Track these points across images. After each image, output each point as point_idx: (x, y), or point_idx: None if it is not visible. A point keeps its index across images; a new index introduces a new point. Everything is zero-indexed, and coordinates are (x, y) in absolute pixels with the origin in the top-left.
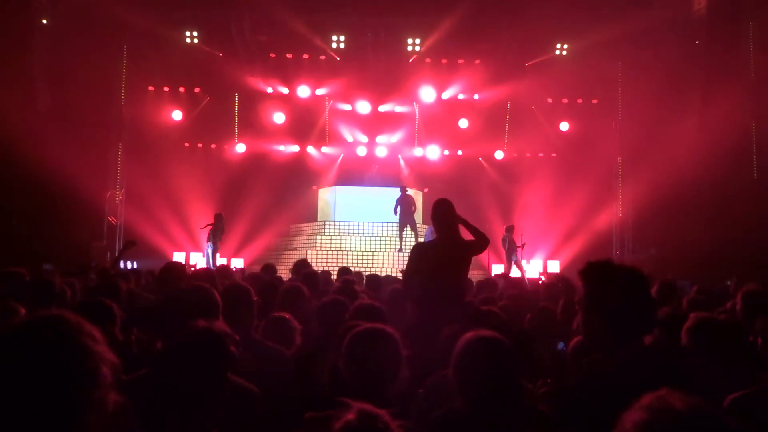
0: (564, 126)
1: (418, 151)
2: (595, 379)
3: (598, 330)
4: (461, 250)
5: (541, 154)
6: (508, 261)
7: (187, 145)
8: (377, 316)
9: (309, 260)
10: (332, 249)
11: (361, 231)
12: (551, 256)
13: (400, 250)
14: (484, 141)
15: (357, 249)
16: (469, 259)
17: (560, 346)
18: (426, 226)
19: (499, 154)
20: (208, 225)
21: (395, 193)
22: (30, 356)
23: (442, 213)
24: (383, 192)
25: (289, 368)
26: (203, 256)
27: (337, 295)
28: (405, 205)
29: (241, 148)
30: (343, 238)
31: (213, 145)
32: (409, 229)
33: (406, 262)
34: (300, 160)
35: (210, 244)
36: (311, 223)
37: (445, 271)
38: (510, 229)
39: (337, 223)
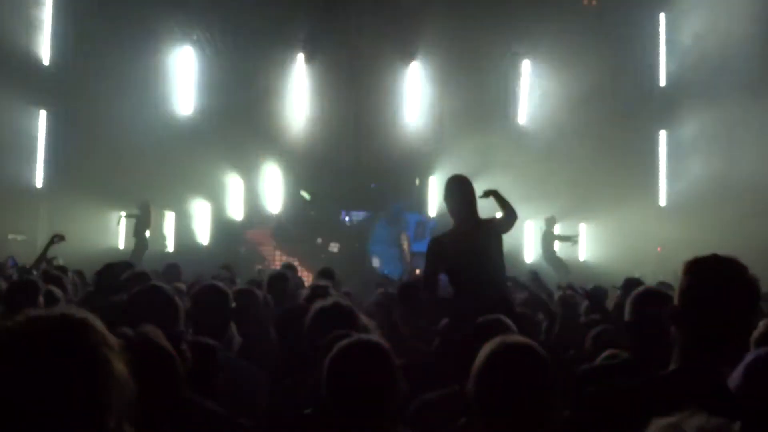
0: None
1: None
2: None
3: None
4: (489, 233)
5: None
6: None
7: None
8: (349, 321)
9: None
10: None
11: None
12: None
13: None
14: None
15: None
16: (500, 240)
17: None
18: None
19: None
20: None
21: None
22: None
23: (459, 192)
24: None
25: (264, 391)
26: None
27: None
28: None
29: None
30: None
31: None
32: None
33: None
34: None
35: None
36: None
37: (479, 264)
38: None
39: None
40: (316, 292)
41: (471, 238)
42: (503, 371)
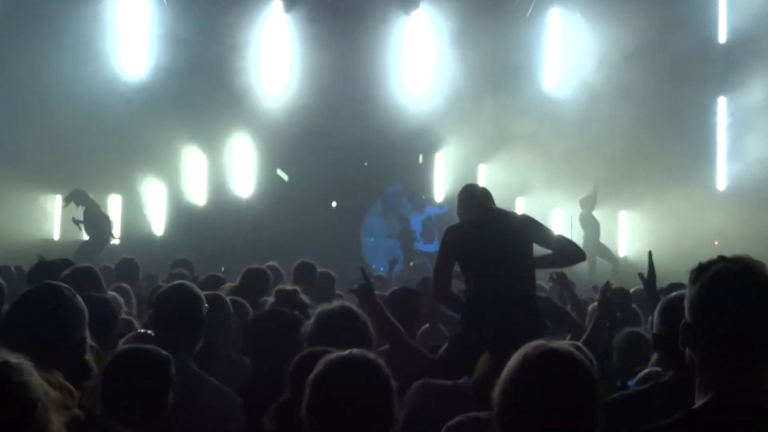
0: None
1: None
2: None
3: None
4: (520, 228)
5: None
6: None
7: None
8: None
9: None
10: None
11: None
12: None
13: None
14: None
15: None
16: (530, 243)
17: (619, 382)
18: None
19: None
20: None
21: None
22: None
23: (473, 194)
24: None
25: (238, 420)
26: None
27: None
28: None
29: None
30: None
31: None
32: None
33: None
34: None
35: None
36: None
37: (504, 261)
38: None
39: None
40: (282, 297)
41: (497, 229)
42: (539, 385)
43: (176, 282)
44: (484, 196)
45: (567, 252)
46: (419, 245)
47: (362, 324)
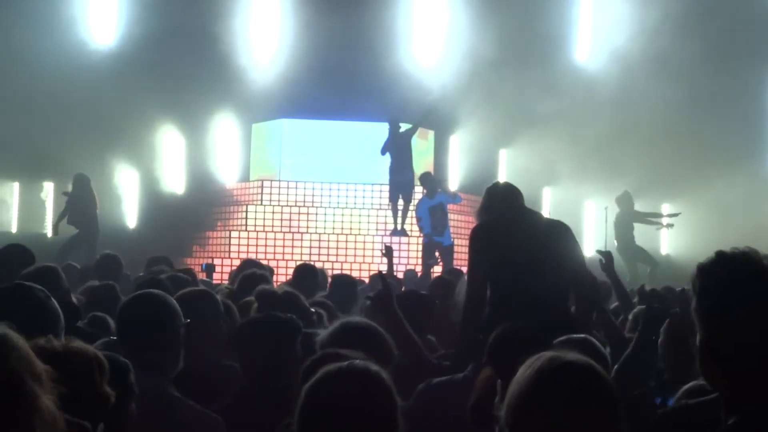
0: None
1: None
2: None
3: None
4: (552, 231)
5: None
6: None
7: None
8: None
9: (235, 249)
10: (275, 229)
11: (327, 199)
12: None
13: (395, 231)
14: None
15: (319, 229)
16: (564, 248)
17: (659, 400)
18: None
19: None
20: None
21: (382, 131)
22: None
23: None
24: (365, 130)
25: None
26: None
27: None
28: (396, 151)
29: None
30: (294, 210)
31: None
32: (402, 199)
33: (421, 256)
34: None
35: None
36: (239, 184)
37: (538, 267)
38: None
39: (283, 185)
40: (266, 299)
41: (528, 230)
42: (553, 400)
43: (141, 292)
44: (516, 194)
45: (579, 287)
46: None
47: (383, 342)
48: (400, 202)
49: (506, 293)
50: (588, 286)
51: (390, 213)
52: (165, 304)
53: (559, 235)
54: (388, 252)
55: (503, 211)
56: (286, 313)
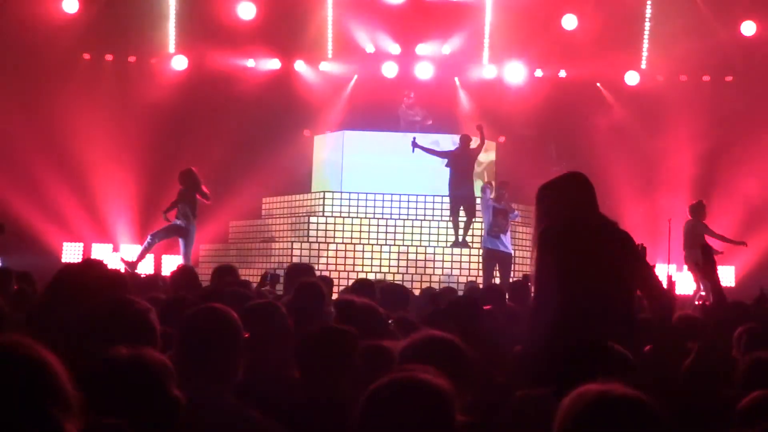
0: (748, 28)
1: (489, 71)
2: None
3: None
4: (619, 243)
5: (706, 78)
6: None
7: (87, 57)
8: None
9: (298, 259)
10: (337, 240)
11: (389, 210)
12: (723, 259)
13: (457, 243)
14: (605, 54)
15: (380, 240)
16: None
17: None
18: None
19: (632, 78)
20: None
21: (448, 144)
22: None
23: (579, 188)
24: (427, 142)
25: None
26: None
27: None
28: (462, 165)
29: (180, 63)
30: (356, 221)
31: (132, 58)
32: (464, 211)
33: (482, 264)
34: (282, 84)
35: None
36: (300, 195)
37: (608, 279)
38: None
39: (345, 195)
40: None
41: (599, 238)
42: None
43: (203, 306)
44: (591, 193)
45: (656, 302)
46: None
47: (462, 356)
48: (462, 214)
49: (574, 303)
50: (660, 297)
51: (451, 225)
52: (225, 318)
53: (630, 248)
54: None
55: (575, 212)
56: (365, 323)
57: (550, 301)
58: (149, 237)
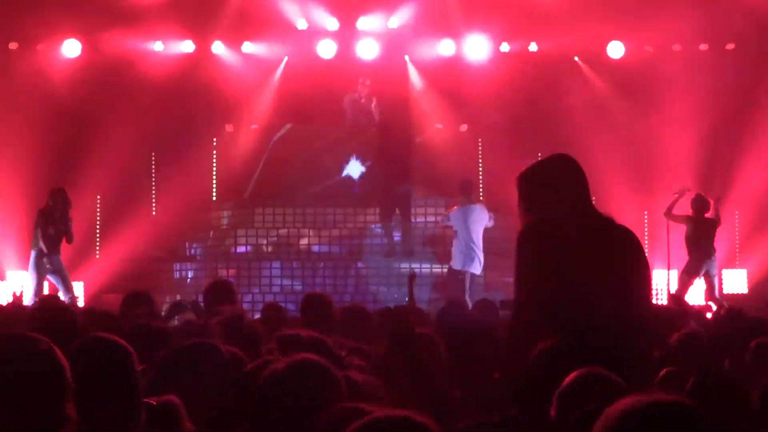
0: None
1: (445, 47)
2: None
3: None
4: (625, 242)
5: (703, 47)
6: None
7: None
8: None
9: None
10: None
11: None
12: (730, 262)
13: (392, 253)
14: (584, 23)
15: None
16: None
17: None
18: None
19: (616, 49)
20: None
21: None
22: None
23: (568, 177)
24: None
25: None
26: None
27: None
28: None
29: (72, 48)
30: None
31: (13, 45)
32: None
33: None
34: (198, 71)
35: (34, 249)
36: (227, 204)
37: (608, 282)
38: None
39: (259, 210)
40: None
41: (592, 239)
42: None
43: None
44: (583, 181)
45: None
46: None
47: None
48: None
49: (560, 322)
50: (647, 321)
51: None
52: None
53: (632, 249)
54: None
55: (562, 207)
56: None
57: (531, 319)
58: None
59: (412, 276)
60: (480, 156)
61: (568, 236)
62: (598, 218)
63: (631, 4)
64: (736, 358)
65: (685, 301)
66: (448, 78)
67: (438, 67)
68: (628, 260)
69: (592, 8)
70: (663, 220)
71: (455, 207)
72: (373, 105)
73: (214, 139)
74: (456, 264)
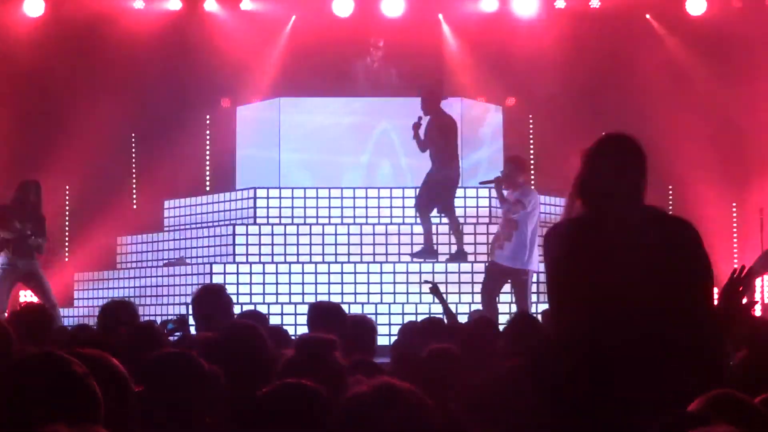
0: None
1: (488, 2)
2: None
3: None
4: (672, 241)
5: None
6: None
7: None
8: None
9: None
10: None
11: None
12: None
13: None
14: None
15: (340, 257)
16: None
17: None
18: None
19: (695, 4)
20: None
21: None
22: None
23: (616, 160)
24: (399, 107)
25: None
26: None
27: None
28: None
29: (35, 6)
30: (305, 228)
31: None
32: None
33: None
34: (187, 33)
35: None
36: (219, 196)
37: (639, 289)
38: None
39: (286, 192)
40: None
41: (632, 238)
42: None
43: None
44: (637, 168)
45: (692, 336)
46: None
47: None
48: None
49: (588, 335)
50: (712, 337)
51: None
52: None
53: (683, 247)
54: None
55: (606, 198)
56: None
57: (558, 329)
58: None
59: (435, 287)
60: (531, 135)
61: (600, 236)
62: (645, 211)
63: None
64: None
65: None
66: (490, 41)
67: (479, 27)
68: (680, 259)
69: None
70: (755, 215)
71: (530, 187)
72: (388, 70)
73: (207, 117)
74: (515, 261)
